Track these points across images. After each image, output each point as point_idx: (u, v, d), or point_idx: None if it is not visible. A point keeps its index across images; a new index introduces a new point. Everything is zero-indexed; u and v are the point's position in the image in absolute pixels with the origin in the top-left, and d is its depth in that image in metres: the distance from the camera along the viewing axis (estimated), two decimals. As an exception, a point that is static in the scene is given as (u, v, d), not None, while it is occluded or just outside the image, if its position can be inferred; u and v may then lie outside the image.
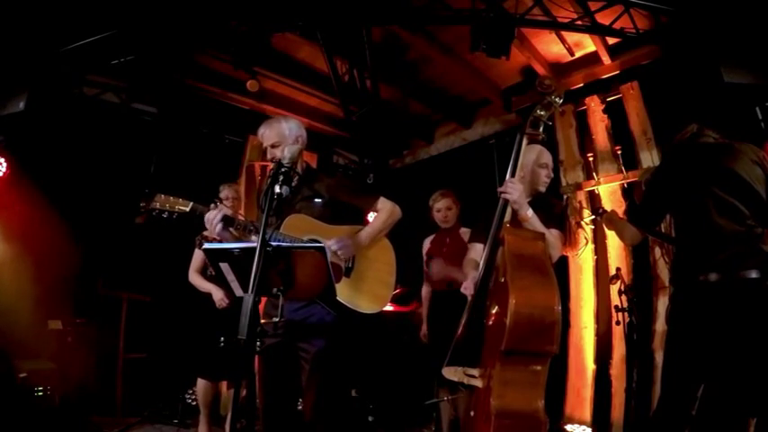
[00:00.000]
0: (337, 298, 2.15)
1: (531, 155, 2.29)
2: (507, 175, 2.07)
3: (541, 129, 2.05)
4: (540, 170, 2.33)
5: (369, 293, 2.26)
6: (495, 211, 2.04)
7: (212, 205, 2.13)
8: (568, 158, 4.44)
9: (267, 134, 2.37)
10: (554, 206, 2.30)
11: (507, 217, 2.03)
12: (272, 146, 2.35)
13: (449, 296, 3.14)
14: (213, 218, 2.04)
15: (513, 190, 2.01)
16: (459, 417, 3.01)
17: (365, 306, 2.24)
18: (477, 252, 2.22)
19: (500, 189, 2.04)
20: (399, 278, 2.41)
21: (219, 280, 1.87)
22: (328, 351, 2.16)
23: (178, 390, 4.04)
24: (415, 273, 3.73)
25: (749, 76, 3.17)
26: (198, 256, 3.52)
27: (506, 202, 2.02)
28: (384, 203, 2.38)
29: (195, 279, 3.48)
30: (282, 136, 2.34)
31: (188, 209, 2.09)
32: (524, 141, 2.06)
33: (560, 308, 1.81)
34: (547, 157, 2.35)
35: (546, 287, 1.86)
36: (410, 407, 4.31)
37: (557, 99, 2.03)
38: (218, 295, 3.31)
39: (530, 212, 2.06)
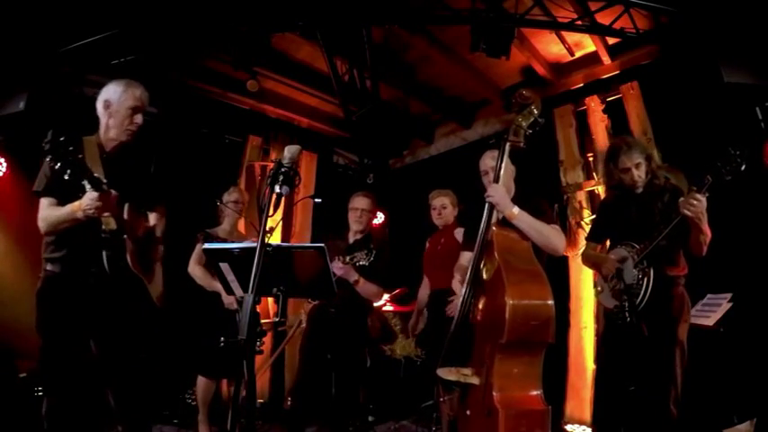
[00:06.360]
0: None
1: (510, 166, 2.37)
2: (491, 180, 2.24)
3: (522, 137, 2.18)
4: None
5: None
6: (481, 217, 2.17)
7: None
8: (568, 158, 4.44)
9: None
10: (540, 204, 2.33)
11: (494, 219, 2.17)
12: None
13: (448, 296, 3.14)
14: None
15: (495, 193, 2.16)
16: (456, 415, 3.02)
17: None
18: (467, 259, 2.30)
19: (486, 194, 2.18)
20: (399, 278, 2.39)
21: (219, 280, 1.87)
22: None
23: (178, 390, 4.03)
24: (414, 273, 3.73)
25: (749, 76, 3.18)
26: (200, 250, 3.52)
27: (492, 206, 2.16)
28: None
29: (197, 271, 3.45)
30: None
31: None
32: (507, 148, 2.20)
33: (553, 299, 1.93)
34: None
35: (537, 280, 1.99)
36: (410, 407, 4.31)
37: (534, 109, 2.17)
38: (228, 299, 3.27)
39: (515, 210, 2.16)
